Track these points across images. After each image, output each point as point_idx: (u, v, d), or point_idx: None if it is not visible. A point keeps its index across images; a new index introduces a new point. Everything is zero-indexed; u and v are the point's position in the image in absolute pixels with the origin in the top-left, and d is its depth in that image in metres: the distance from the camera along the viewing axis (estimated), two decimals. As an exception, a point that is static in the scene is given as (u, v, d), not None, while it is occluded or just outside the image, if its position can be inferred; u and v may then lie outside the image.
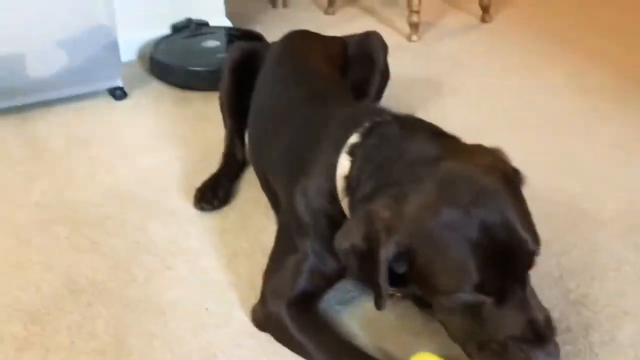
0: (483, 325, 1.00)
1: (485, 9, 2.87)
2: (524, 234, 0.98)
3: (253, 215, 1.60)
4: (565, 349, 1.19)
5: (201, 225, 1.56)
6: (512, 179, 1.05)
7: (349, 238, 1.05)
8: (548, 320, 1.02)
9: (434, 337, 1.23)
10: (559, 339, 1.21)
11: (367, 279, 1.07)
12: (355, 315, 1.29)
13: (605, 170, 1.76)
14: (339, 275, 1.25)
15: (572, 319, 1.27)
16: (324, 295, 1.30)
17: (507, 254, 0.96)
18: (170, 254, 1.47)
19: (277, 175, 1.41)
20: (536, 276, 1.37)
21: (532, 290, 1.04)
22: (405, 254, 0.99)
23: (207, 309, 1.31)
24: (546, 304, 1.29)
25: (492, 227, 0.95)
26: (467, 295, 0.98)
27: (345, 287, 1.36)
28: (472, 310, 1.00)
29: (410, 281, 1.04)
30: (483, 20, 2.88)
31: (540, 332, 0.99)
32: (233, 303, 1.33)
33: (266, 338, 1.24)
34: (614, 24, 2.83)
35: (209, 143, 1.91)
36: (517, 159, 1.77)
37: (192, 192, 1.65)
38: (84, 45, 2.07)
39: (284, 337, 1.21)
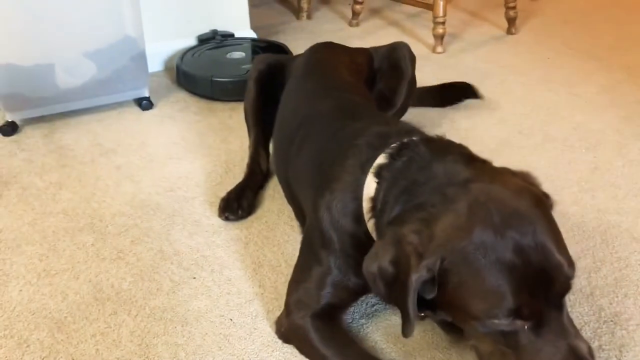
0: (520, 353, 0.96)
1: (511, 21, 2.85)
2: (560, 258, 0.95)
3: (277, 226, 1.60)
4: (598, 369, 1.16)
5: (226, 235, 1.56)
6: (543, 202, 1.02)
7: (376, 261, 1.02)
8: (590, 347, 0.98)
9: (464, 354, 1.20)
10: None
11: (395, 303, 1.04)
12: (381, 329, 1.28)
13: (636, 185, 1.72)
14: (364, 289, 1.23)
15: (604, 338, 1.23)
16: (349, 308, 1.29)
17: (544, 277, 0.93)
18: (194, 264, 1.47)
19: (301, 187, 1.41)
20: (567, 293, 1.34)
21: (569, 317, 1.00)
22: (436, 279, 0.96)
23: (231, 319, 1.30)
24: (577, 321, 1.27)
25: (527, 249, 0.92)
26: (502, 321, 0.94)
27: (369, 300, 1.34)
28: (508, 337, 0.96)
29: (439, 306, 1.02)
30: (509, 32, 2.86)
31: (582, 359, 0.95)
32: (257, 314, 1.32)
33: (291, 351, 1.23)
34: (643, 36, 2.79)
35: (233, 153, 1.92)
36: (546, 173, 1.76)
37: (217, 202, 1.65)
38: (112, 56, 2.10)
39: (307, 349, 1.20)
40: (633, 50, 2.63)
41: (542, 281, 0.93)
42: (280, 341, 1.25)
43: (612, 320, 1.27)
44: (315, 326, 1.19)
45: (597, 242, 1.50)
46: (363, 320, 1.30)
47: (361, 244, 1.11)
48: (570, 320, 0.99)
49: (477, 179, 1.02)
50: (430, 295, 0.99)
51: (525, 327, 0.95)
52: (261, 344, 1.25)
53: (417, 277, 0.95)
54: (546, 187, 1.71)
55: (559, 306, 0.97)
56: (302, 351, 1.21)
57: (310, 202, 1.31)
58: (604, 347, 1.21)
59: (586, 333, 1.24)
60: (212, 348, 1.24)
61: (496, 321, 0.95)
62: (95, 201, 1.71)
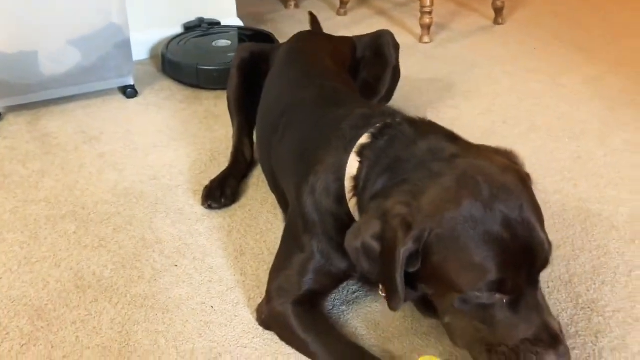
0: (495, 327, 0.98)
1: (498, 11, 2.85)
2: (543, 235, 0.96)
3: (260, 214, 1.60)
4: (574, 354, 1.17)
5: (208, 224, 1.56)
6: (526, 180, 1.04)
7: (360, 236, 1.03)
8: (559, 324, 1.00)
9: (442, 339, 1.21)
10: (568, 343, 1.19)
11: (380, 279, 1.05)
12: (361, 315, 1.28)
13: (618, 175, 1.73)
14: (346, 275, 1.24)
15: (581, 325, 1.25)
16: (330, 295, 1.30)
17: (528, 253, 0.94)
18: (177, 252, 1.47)
19: (285, 174, 1.41)
20: (545, 279, 1.36)
21: (542, 294, 1.02)
22: (420, 251, 0.97)
23: (212, 307, 1.31)
24: (555, 308, 1.29)
25: (515, 224, 0.93)
26: (484, 294, 0.96)
27: (350, 287, 1.35)
28: (484, 312, 0.98)
29: (421, 280, 1.02)
30: (496, 22, 2.86)
31: (554, 335, 0.97)
32: (239, 302, 1.32)
33: (271, 337, 1.23)
34: (631, 28, 2.80)
35: (218, 142, 1.91)
36: (529, 162, 1.77)
37: (200, 191, 1.65)
38: (97, 44, 2.09)
39: (288, 336, 1.21)
40: (619, 41, 2.64)
41: (526, 257, 0.94)
42: (261, 328, 1.25)
43: (589, 307, 1.29)
44: (295, 313, 1.20)
45: (577, 231, 1.51)
46: (344, 307, 1.31)
47: (344, 226, 1.12)
48: (543, 297, 1.01)
49: (462, 155, 1.02)
50: (413, 269, 0.99)
51: (504, 301, 0.97)
52: (242, 330, 1.25)
53: (405, 249, 0.95)
54: (528, 176, 1.73)
55: (536, 282, 0.99)
56: (282, 337, 1.22)
57: (293, 188, 1.31)
58: (580, 333, 1.23)
59: (563, 319, 1.25)
60: (192, 335, 1.24)
61: (478, 294, 0.96)
62: (78, 189, 1.70)
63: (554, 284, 1.35)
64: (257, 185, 1.72)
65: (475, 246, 0.93)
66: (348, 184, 1.14)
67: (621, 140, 1.90)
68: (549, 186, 1.68)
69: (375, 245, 1.00)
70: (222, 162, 1.79)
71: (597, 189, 1.67)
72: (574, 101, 2.15)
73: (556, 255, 1.43)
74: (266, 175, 1.61)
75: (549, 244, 0.98)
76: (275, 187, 1.52)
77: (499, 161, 1.03)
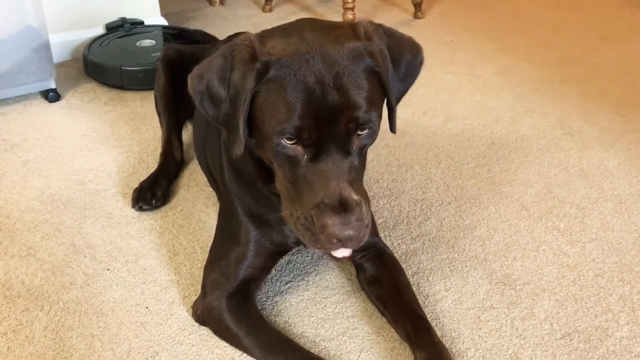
0: (297, 184, 1.04)
1: (417, 6, 2.97)
2: (355, 99, 1.02)
3: (192, 214, 1.62)
4: (488, 326, 1.28)
5: (140, 226, 1.57)
6: (363, 56, 1.05)
7: (204, 77, 1.07)
8: (362, 199, 1.03)
9: (370, 321, 1.29)
10: (483, 316, 1.30)
11: (223, 122, 1.09)
12: (293, 304, 1.34)
13: (527, 159, 1.87)
14: (280, 250, 1.30)
15: (495, 298, 1.36)
16: (264, 280, 1.34)
17: (334, 110, 1.01)
18: (108, 256, 1.47)
19: (216, 170, 1.44)
20: (463, 259, 1.47)
21: (358, 173, 1.07)
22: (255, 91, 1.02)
23: (147, 307, 1.33)
24: (472, 284, 1.39)
25: (328, 84, 1.00)
26: (288, 143, 1.02)
27: (283, 279, 1.41)
28: (291, 166, 1.04)
29: (250, 132, 1.08)
30: (415, 16, 2.98)
31: (343, 200, 1.01)
32: (173, 301, 1.35)
33: (207, 333, 1.27)
34: (541, 19, 2.99)
35: (145, 143, 1.91)
36: (448, 151, 1.88)
37: (130, 194, 1.66)
38: (13, 48, 2.03)
39: (221, 330, 1.25)
40: (529, 32, 2.82)
41: (332, 113, 1.01)
42: (197, 324, 1.29)
43: (502, 282, 1.41)
44: (229, 306, 1.24)
45: (492, 212, 1.63)
46: (277, 298, 1.36)
47: (264, 196, 1.21)
48: (357, 172, 1.06)
49: (317, 30, 1.08)
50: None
51: (305, 156, 1.04)
52: (178, 328, 1.28)
53: (250, 79, 1.01)
54: (447, 164, 1.84)
55: (346, 150, 1.04)
56: (216, 332, 1.26)
57: (220, 179, 1.35)
58: (494, 306, 1.34)
59: (479, 295, 1.36)
60: (128, 336, 1.26)
61: (282, 141, 1.02)
62: (2, 198, 1.66)
63: (471, 262, 1.46)
64: (188, 185, 1.74)
65: (290, 89, 1.00)
66: None
67: (529, 125, 2.05)
68: (465, 172, 1.80)
69: (221, 89, 1.06)
70: (151, 164, 1.79)
71: (508, 172, 1.81)
72: (488, 91, 2.29)
73: (472, 236, 1.54)
74: (204, 172, 1.64)
75: (367, 112, 1.03)
76: (214, 183, 1.55)
77: (344, 35, 1.07)
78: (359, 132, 1.05)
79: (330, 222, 1.00)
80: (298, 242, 1.29)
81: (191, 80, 1.09)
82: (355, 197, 1.03)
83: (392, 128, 1.17)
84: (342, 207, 1.01)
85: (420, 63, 1.18)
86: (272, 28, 1.13)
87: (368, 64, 1.05)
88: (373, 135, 1.08)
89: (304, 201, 1.04)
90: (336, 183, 1.02)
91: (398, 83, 1.14)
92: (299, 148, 1.03)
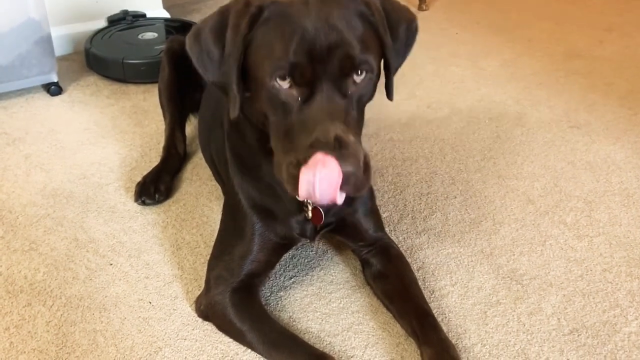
0: (292, 133, 1.02)
1: (422, -3, 2.94)
2: (351, 38, 1.01)
3: (195, 208, 1.61)
4: (494, 321, 1.27)
5: (143, 220, 1.56)
6: (359, 4, 1.07)
7: (202, 34, 1.07)
8: (350, 137, 0.99)
9: (376, 316, 1.28)
10: (490, 311, 1.29)
11: (218, 83, 1.09)
12: (297, 300, 1.33)
13: (532, 152, 1.85)
14: (286, 242, 1.28)
15: (501, 293, 1.34)
16: (269, 274, 1.33)
17: (327, 48, 1.00)
18: (111, 250, 1.46)
19: (221, 164, 1.43)
20: (468, 254, 1.45)
21: (356, 130, 1.04)
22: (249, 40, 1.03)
23: (150, 302, 1.32)
24: (478, 279, 1.38)
25: (321, 23, 1.01)
26: (281, 86, 1.01)
27: (287, 274, 1.39)
28: (284, 111, 1.03)
29: (245, 84, 1.07)
30: (420, 8, 2.95)
31: (339, 137, 0.97)
32: (177, 296, 1.34)
33: (211, 328, 1.26)
34: (546, 11, 2.96)
35: (148, 137, 1.90)
36: (453, 144, 1.86)
37: (133, 188, 1.64)
38: (15, 41, 2.01)
39: (225, 326, 1.24)
40: (534, 24, 2.79)
41: (326, 53, 1.00)
42: (200, 320, 1.28)
43: (508, 277, 1.39)
44: (232, 301, 1.23)
45: (497, 206, 1.62)
46: (281, 293, 1.35)
47: (268, 186, 1.21)
48: (355, 121, 1.04)
49: None
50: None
51: (299, 98, 1.02)
52: (181, 323, 1.27)
53: (244, 27, 1.02)
54: (452, 157, 1.82)
55: (342, 92, 1.03)
56: (220, 327, 1.25)
57: (224, 172, 1.34)
58: (501, 301, 1.32)
59: (486, 290, 1.35)
60: (131, 331, 1.25)
61: (276, 83, 1.01)
62: (4, 192, 1.65)
63: (477, 257, 1.44)
64: (191, 179, 1.72)
65: (281, 31, 1.01)
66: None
67: (534, 119, 2.03)
68: (470, 166, 1.78)
69: (217, 45, 1.06)
70: (154, 158, 1.78)
71: (514, 165, 1.79)
72: (492, 83, 2.26)
73: (478, 231, 1.52)
74: (209, 165, 1.63)
75: (359, 50, 1.02)
76: (218, 176, 1.53)
77: None
78: (355, 76, 1.03)
79: (321, 156, 0.96)
80: (302, 234, 1.28)
81: (188, 40, 1.09)
82: (352, 137, 0.99)
83: (389, 94, 1.16)
84: (338, 143, 0.97)
85: (415, 30, 1.19)
86: None
87: (363, 11, 1.07)
88: (370, 84, 1.06)
89: (297, 146, 1.00)
90: (331, 122, 0.99)
91: (395, 50, 1.14)
92: (293, 91, 1.02)
